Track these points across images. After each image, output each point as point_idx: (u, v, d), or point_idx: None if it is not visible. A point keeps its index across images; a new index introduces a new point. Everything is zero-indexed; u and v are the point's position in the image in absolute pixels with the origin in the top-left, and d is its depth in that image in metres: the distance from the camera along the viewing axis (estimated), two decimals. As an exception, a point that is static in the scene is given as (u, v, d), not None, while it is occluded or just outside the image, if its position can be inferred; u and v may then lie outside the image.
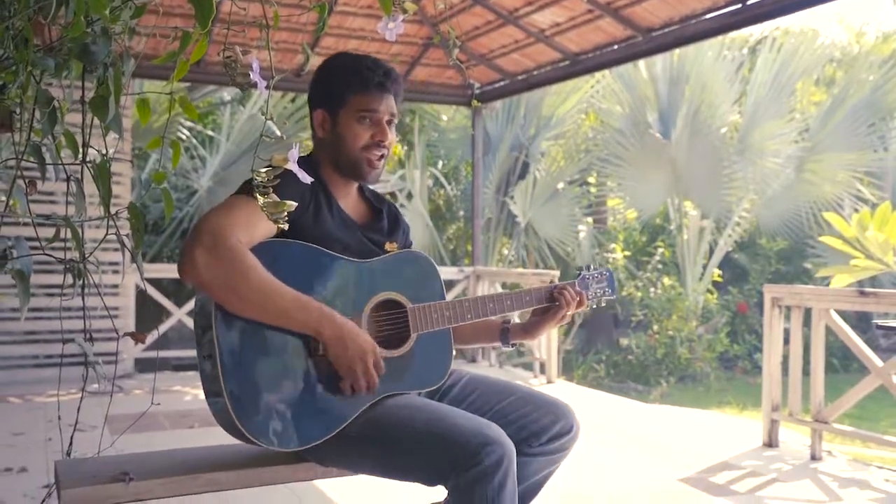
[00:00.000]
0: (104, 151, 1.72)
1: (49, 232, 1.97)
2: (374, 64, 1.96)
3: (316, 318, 1.71)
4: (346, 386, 1.76)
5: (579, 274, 2.25)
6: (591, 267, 2.28)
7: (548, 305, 2.13)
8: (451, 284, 7.19)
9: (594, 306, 2.25)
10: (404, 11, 2.08)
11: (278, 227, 1.71)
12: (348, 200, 2.01)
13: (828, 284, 7.02)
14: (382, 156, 1.95)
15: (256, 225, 1.72)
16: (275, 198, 1.39)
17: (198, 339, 1.75)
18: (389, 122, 1.96)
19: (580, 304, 2.15)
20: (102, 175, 1.71)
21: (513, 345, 2.19)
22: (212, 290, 1.67)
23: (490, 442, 1.64)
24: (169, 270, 6.54)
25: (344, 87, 1.93)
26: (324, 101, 1.95)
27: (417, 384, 1.93)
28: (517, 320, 2.24)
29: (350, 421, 1.79)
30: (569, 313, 2.13)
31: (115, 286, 6.13)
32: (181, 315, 6.41)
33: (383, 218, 2.07)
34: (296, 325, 1.71)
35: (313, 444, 1.76)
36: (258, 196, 1.40)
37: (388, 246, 2.00)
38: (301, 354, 1.76)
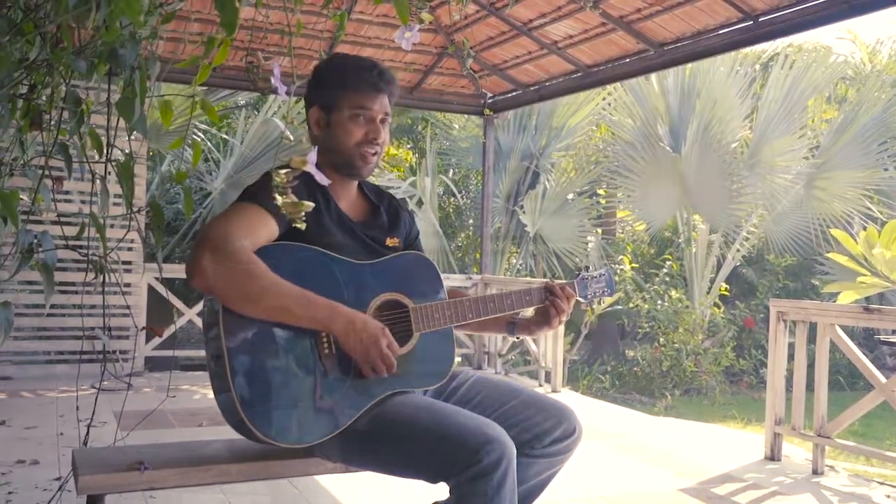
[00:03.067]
0: (127, 151, 1.78)
1: (68, 230, 2.04)
2: (368, 64, 2.04)
3: (325, 312, 1.78)
4: (367, 371, 1.83)
5: (578, 274, 2.33)
6: (591, 268, 2.35)
7: (545, 305, 2.19)
8: (458, 292, 7.21)
9: (593, 305, 2.34)
10: (421, 21, 2.14)
11: (280, 231, 1.80)
12: (347, 199, 2.06)
13: (835, 301, 7.03)
14: (376, 153, 2.02)
15: (258, 230, 1.79)
16: (293, 198, 1.44)
17: (206, 338, 1.82)
18: (383, 121, 2.02)
19: (567, 299, 2.19)
20: (126, 174, 1.77)
21: (518, 337, 2.26)
22: (220, 293, 1.73)
23: (490, 441, 1.68)
24: (181, 271, 6.61)
25: (339, 86, 2.00)
26: (319, 100, 2.02)
27: (421, 382, 1.98)
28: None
29: (355, 418, 1.84)
30: (564, 309, 2.18)
31: (128, 285, 6.20)
32: (191, 315, 6.48)
33: (382, 214, 2.11)
34: (305, 321, 1.77)
35: (319, 441, 1.81)
36: (277, 196, 1.46)
37: (388, 242, 2.05)
38: (308, 352, 1.81)
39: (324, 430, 1.81)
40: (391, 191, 9.37)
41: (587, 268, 2.35)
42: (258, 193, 1.84)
